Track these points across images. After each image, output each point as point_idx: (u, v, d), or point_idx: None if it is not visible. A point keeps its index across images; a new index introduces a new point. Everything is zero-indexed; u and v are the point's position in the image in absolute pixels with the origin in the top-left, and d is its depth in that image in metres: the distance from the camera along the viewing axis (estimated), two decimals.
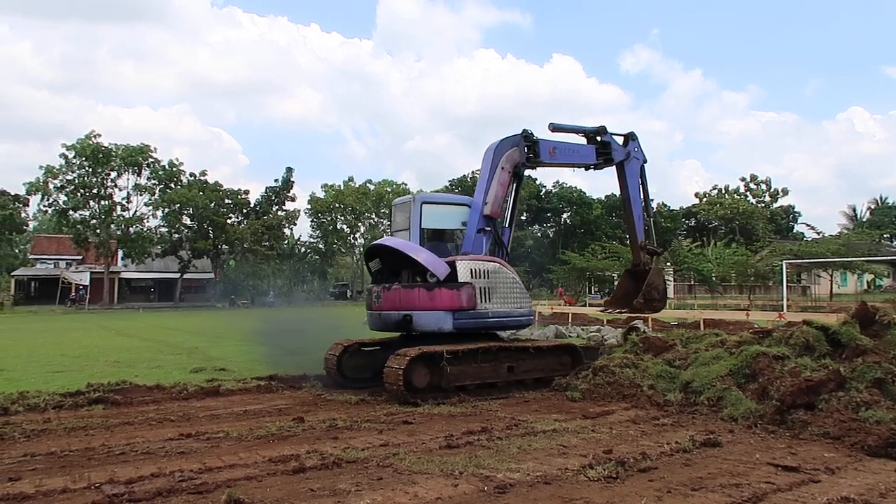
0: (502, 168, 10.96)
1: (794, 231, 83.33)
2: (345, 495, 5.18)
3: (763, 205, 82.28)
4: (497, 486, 5.39)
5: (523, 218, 79.08)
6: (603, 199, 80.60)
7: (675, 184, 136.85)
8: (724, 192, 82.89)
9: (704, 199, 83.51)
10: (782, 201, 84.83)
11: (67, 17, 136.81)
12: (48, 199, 55.69)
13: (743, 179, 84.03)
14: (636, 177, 12.43)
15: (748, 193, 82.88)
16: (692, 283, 55.32)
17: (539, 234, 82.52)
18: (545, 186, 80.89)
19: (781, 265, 35.07)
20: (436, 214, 10.91)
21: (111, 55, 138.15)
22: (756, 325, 17.55)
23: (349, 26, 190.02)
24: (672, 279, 57.59)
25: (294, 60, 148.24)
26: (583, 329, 23.06)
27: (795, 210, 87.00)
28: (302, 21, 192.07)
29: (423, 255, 10.02)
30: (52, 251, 67.06)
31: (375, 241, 11.24)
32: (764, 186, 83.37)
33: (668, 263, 56.39)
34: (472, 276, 10.01)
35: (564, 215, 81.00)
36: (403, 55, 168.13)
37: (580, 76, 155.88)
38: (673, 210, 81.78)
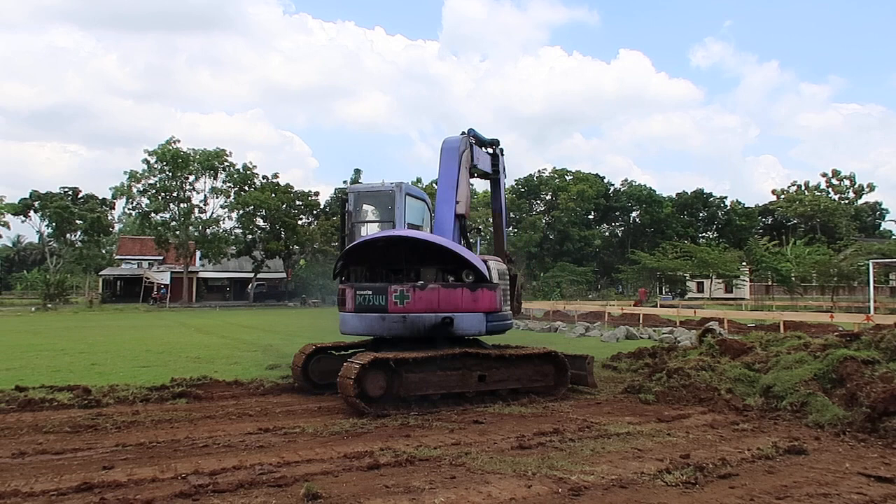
0: (465, 167, 10.57)
1: (881, 229, 78.93)
2: (419, 493, 5.24)
3: (846, 201, 78.33)
4: (571, 488, 5.33)
5: (590, 217, 77.90)
6: (674, 196, 78.51)
7: (749, 180, 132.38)
8: (803, 188, 79.35)
9: (782, 196, 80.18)
10: (867, 197, 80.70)
11: (150, 29, 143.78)
12: (132, 203, 58.47)
13: (824, 175, 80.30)
14: (504, 190, 12.49)
15: (830, 189, 79.06)
16: (770, 283, 53.16)
17: (607, 234, 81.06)
18: (613, 184, 79.42)
19: (868, 265, 33.27)
20: (411, 208, 10.18)
21: (189, 64, 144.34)
22: (841, 328, 16.70)
23: (413, 28, 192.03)
24: (748, 279, 55.56)
25: (361, 64, 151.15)
26: (654, 330, 22.54)
27: (882, 207, 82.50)
28: (367, 25, 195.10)
29: (467, 253, 9.55)
30: (136, 252, 70.43)
31: (398, 233, 9.52)
32: (847, 182, 79.39)
33: (744, 262, 54.44)
34: (498, 277, 9.86)
35: (633, 214, 79.29)
36: (468, 56, 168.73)
37: (649, 71, 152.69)
38: (748, 208, 78.86)
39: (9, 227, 65.33)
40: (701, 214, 79.40)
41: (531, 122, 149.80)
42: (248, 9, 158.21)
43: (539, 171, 77.33)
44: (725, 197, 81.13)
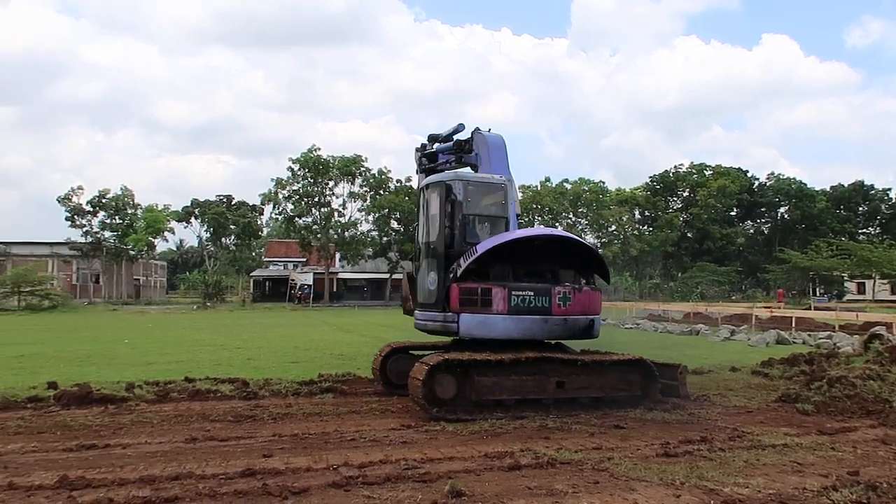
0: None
1: None
2: (562, 496, 5.19)
3: None
4: (724, 500, 5.07)
5: (733, 214, 73.55)
6: (828, 189, 72.37)
7: None
8: None
9: None
10: None
11: (291, 45, 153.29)
12: (278, 208, 62.48)
13: None
14: None
15: None
16: None
17: (752, 231, 76.09)
18: (758, 179, 74.54)
19: None
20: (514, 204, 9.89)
21: (327, 76, 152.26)
22: None
23: (541, 27, 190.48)
24: None
25: (490, 66, 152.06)
26: (809, 335, 20.86)
27: None
28: (494, 27, 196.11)
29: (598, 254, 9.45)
30: (282, 254, 75.23)
31: (555, 233, 9.92)
32: None
33: None
34: None
35: (781, 209, 74.02)
36: (598, 51, 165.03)
37: (796, 56, 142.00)
38: None
39: (174, 233, 71.90)
40: (861, 209, 72.63)
41: (666, 116, 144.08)
42: (382, 20, 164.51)
43: (675, 167, 74.28)
44: (889, 189, 73.64)
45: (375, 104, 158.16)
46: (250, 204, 67.27)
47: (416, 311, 9.71)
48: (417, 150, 11.56)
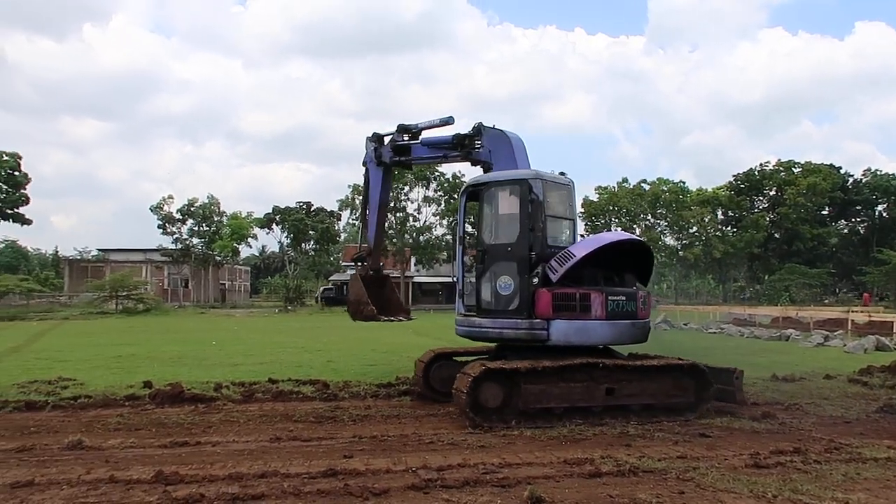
0: None
1: None
2: None
3: None
4: None
5: (825, 213, 69.81)
6: None
7: None
8: None
9: None
10: None
11: (366, 53, 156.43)
12: (355, 213, 63.72)
13: None
14: None
15: None
16: None
17: (846, 231, 71.95)
18: (852, 175, 70.41)
19: None
20: None
21: (402, 82, 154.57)
22: None
23: (615, 26, 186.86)
24: None
25: (564, 66, 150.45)
26: None
27: None
28: (568, 27, 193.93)
29: None
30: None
31: (635, 238, 9.87)
32: None
33: None
34: None
35: (879, 207, 69.58)
36: (676, 47, 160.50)
37: (894, 44, 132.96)
38: None
39: (256, 239, 74.55)
40: None
41: (750, 112, 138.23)
42: (455, 25, 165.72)
43: (761, 165, 71.07)
44: None
45: (449, 109, 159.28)
46: (328, 210, 68.95)
47: (475, 318, 8.99)
48: (371, 139, 10.83)
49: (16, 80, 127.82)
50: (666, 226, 69.38)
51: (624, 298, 8.73)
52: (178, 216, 62.86)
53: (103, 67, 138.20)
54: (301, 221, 66.62)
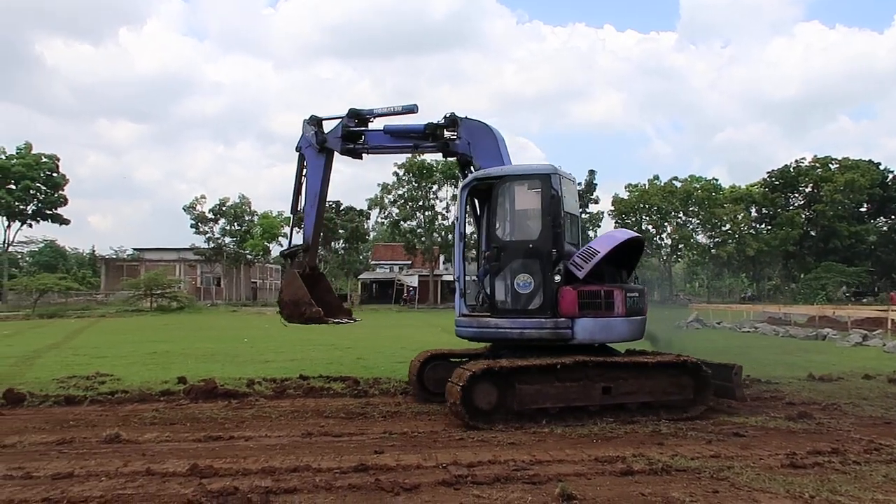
0: None
1: None
2: None
3: None
4: None
5: (863, 210, 68.14)
6: None
7: None
8: None
9: None
10: None
11: (396, 54, 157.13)
12: (384, 212, 64.09)
13: None
14: None
15: None
16: None
17: (885, 229, 70.10)
18: (892, 171, 68.51)
19: None
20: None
21: (431, 82, 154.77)
22: None
23: (645, 22, 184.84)
24: None
25: (594, 64, 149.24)
26: None
27: None
28: (597, 24, 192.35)
29: None
30: (388, 257, 77.00)
31: (636, 234, 9.30)
32: None
33: None
34: None
35: None
36: (709, 43, 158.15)
37: None
38: None
39: (287, 238, 75.37)
40: None
41: (784, 108, 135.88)
42: (484, 24, 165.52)
43: (796, 161, 69.58)
44: None
45: (479, 108, 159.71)
46: (357, 209, 69.35)
47: (488, 319, 8.58)
48: (310, 123, 10.02)
49: (54, 85, 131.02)
50: (698, 223, 68.37)
51: (637, 294, 8.70)
52: (210, 216, 63.85)
53: (138, 71, 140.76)
54: (331, 221, 67.04)
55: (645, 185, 69.72)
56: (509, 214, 8.92)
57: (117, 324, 33.26)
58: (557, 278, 8.24)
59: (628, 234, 9.14)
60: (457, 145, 9.49)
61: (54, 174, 58.79)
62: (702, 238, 69.45)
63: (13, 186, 55.87)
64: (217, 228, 64.51)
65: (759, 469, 5.92)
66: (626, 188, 70.88)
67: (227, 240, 65.39)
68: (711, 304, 47.97)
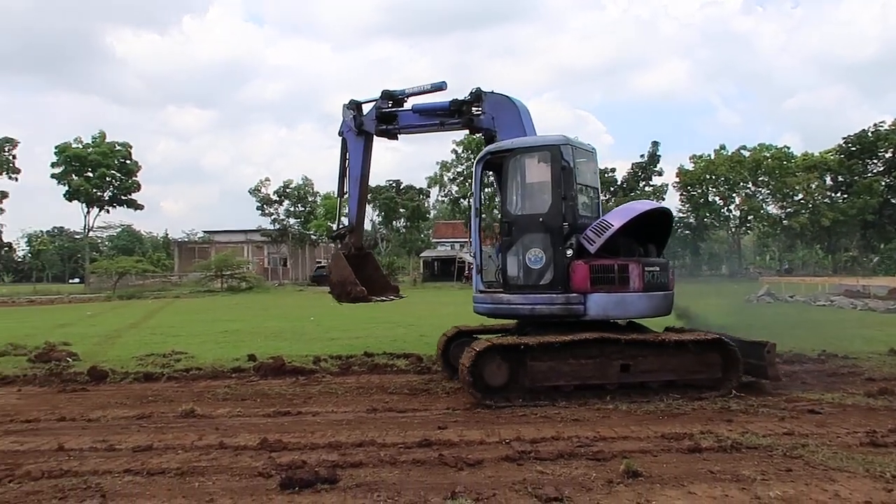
0: None
1: None
2: (750, 483, 4.84)
3: None
4: None
5: None
6: None
7: None
8: None
9: None
10: None
11: (451, 30, 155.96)
12: (444, 190, 64.30)
13: None
14: None
15: None
16: None
17: None
18: None
19: None
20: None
21: (487, 57, 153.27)
22: None
23: None
24: None
25: (657, 31, 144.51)
26: None
27: None
28: None
29: None
30: (449, 235, 77.36)
31: (658, 205, 9.04)
32: None
33: None
34: None
35: None
36: (778, 4, 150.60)
37: None
38: None
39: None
40: None
41: (862, 70, 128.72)
42: None
43: (875, 126, 65.65)
44: None
45: (536, 81, 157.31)
46: (418, 188, 69.72)
47: (500, 295, 8.49)
48: (349, 107, 10.10)
49: (125, 74, 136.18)
50: (768, 194, 65.73)
51: (658, 269, 8.32)
52: (274, 198, 65.41)
53: (202, 58, 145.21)
54: (391, 200, 67.74)
55: (711, 155, 67.39)
56: (520, 188, 8.67)
57: (191, 304, 34.65)
58: (569, 252, 8.00)
59: (648, 205, 8.81)
60: (481, 120, 9.31)
61: (127, 161, 61.27)
62: (772, 209, 66.84)
63: (90, 174, 58.55)
64: (282, 210, 66.13)
65: (835, 447, 5.69)
66: (690, 159, 68.72)
67: (292, 221, 66.94)
68: (783, 276, 46.22)
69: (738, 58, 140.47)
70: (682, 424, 6.63)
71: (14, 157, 58.32)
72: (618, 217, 8.07)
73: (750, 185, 66.04)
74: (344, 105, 10.20)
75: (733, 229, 68.44)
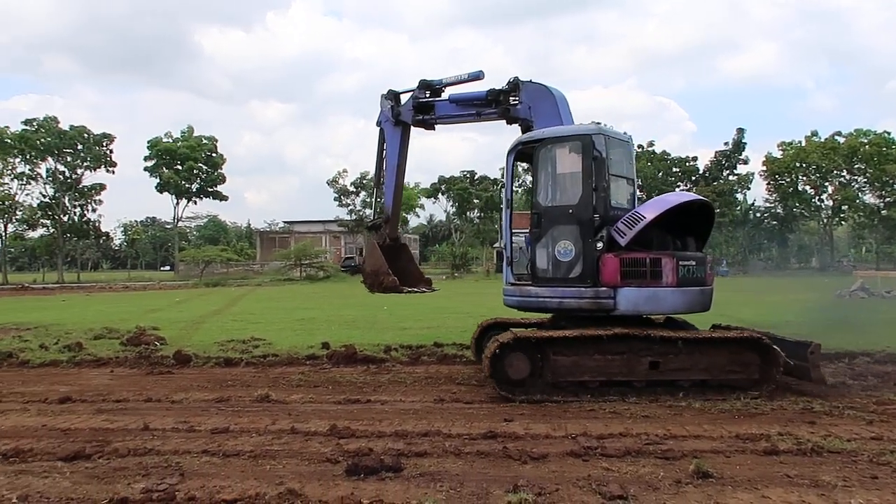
0: None
1: None
2: (830, 489, 4.60)
3: None
4: None
5: None
6: None
7: None
8: None
9: None
10: None
11: (528, 18, 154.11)
12: (518, 181, 63.67)
13: None
14: None
15: None
16: None
17: None
18: None
19: None
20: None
21: (565, 44, 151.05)
22: None
23: None
24: None
25: (746, 12, 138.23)
26: None
27: None
28: None
29: None
30: (523, 226, 76.63)
31: (697, 197, 8.47)
32: None
33: None
34: None
35: None
36: None
37: None
38: None
39: (424, 208, 77.27)
40: None
41: None
42: None
43: None
44: None
45: (616, 68, 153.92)
46: (492, 178, 69.54)
47: (529, 287, 8.35)
48: (387, 97, 10.10)
49: (212, 70, 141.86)
50: (865, 182, 61.86)
51: (694, 263, 7.93)
52: (351, 189, 66.74)
53: (284, 53, 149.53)
54: (465, 190, 67.92)
55: (801, 142, 64.01)
56: (551, 178, 8.45)
57: (271, 292, 35.90)
58: (599, 245, 7.76)
59: (684, 197, 8.39)
60: (518, 110, 9.11)
61: (213, 154, 64.02)
62: (869, 198, 62.88)
63: (179, 167, 61.49)
64: (358, 201, 67.39)
65: None
66: (779, 146, 65.51)
67: (368, 212, 68.09)
68: (880, 270, 43.49)
69: (834, 38, 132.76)
70: (760, 425, 6.36)
71: (111, 151, 61.95)
72: (651, 209, 7.80)
73: (844, 173, 62.38)
74: (382, 95, 10.24)
75: (825, 220, 64.92)
